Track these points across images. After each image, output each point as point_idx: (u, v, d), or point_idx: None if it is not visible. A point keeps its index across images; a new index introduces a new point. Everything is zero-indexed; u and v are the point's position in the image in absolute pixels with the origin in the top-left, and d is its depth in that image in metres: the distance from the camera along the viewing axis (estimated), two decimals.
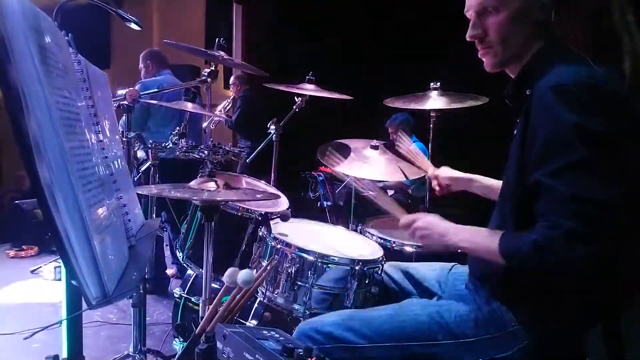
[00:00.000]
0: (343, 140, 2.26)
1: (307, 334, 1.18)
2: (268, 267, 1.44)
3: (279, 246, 1.52)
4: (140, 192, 1.40)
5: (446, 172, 1.59)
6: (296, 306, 1.47)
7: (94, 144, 1.01)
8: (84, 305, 0.80)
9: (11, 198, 4.57)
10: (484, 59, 1.17)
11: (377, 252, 1.60)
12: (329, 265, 1.47)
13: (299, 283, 1.47)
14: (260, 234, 1.65)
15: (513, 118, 1.26)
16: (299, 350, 0.88)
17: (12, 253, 3.97)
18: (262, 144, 2.67)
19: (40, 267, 3.59)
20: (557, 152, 0.96)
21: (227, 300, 1.20)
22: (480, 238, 1.11)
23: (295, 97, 2.53)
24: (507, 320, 1.10)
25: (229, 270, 1.19)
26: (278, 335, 1.00)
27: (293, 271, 1.47)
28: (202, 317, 1.32)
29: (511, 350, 1.10)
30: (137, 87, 3.18)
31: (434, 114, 2.50)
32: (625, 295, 1.11)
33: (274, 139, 2.52)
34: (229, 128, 4.87)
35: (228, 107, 4.92)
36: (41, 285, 3.40)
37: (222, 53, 2.22)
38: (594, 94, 0.96)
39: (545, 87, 0.99)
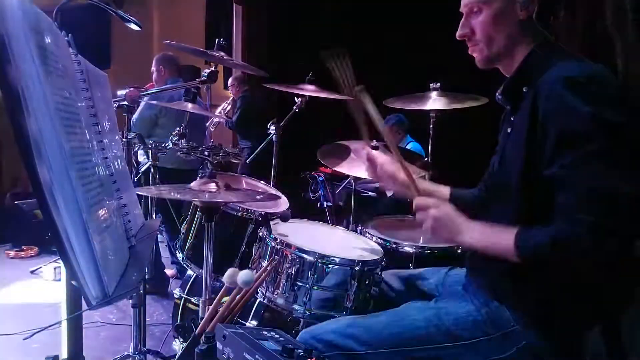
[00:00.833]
0: (343, 141, 2.26)
1: (307, 343, 1.18)
2: (268, 268, 1.44)
3: (279, 247, 1.52)
4: (140, 193, 1.40)
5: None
6: (296, 307, 1.47)
7: (94, 144, 1.01)
8: (84, 306, 0.80)
9: (11, 198, 4.57)
10: (474, 55, 1.21)
11: (377, 253, 1.60)
12: (329, 265, 1.47)
13: (299, 283, 1.47)
14: (260, 234, 1.65)
15: (505, 117, 1.26)
16: (299, 350, 0.88)
17: (12, 253, 3.97)
18: (262, 145, 2.67)
19: (40, 267, 3.59)
20: (574, 144, 0.96)
21: (227, 300, 1.21)
22: (493, 237, 1.09)
23: (295, 97, 2.53)
24: (505, 321, 1.11)
25: (229, 271, 1.20)
26: (278, 336, 1.00)
27: (293, 272, 1.47)
28: (202, 318, 1.32)
29: (510, 351, 1.10)
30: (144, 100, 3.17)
31: (433, 114, 2.51)
32: (625, 294, 1.11)
33: (274, 139, 2.52)
34: (230, 129, 4.88)
35: (227, 109, 4.93)
36: (41, 285, 3.40)
37: (222, 53, 2.22)
38: (604, 86, 0.98)
39: (554, 80, 0.99)
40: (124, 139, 1.79)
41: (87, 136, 0.95)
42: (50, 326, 0.91)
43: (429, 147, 2.57)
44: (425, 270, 1.52)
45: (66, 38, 1.00)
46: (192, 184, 1.50)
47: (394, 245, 1.90)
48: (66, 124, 0.80)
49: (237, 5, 5.86)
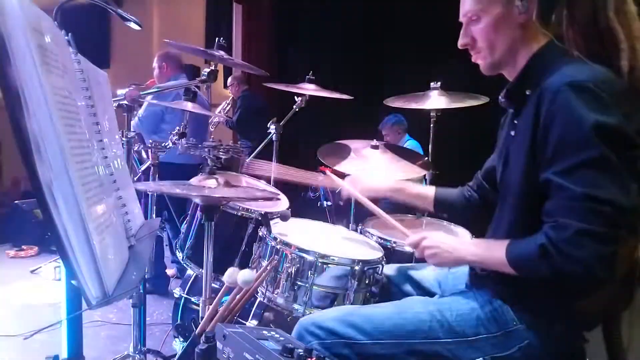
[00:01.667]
0: (343, 141, 2.26)
1: (307, 329, 1.18)
2: (268, 267, 1.44)
3: (279, 246, 1.52)
4: (138, 188, 1.40)
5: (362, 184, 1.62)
6: (296, 306, 1.47)
7: (94, 144, 1.01)
8: (84, 305, 0.80)
9: (11, 198, 4.57)
10: (478, 63, 1.20)
11: (377, 252, 1.60)
12: (329, 265, 1.47)
13: (299, 283, 1.47)
14: (260, 234, 1.65)
15: (506, 120, 1.27)
16: (299, 350, 0.88)
17: (12, 253, 3.98)
18: (262, 144, 2.67)
19: (40, 267, 3.59)
20: (572, 150, 0.95)
21: (227, 300, 1.21)
22: (488, 251, 1.12)
23: (295, 97, 2.53)
24: (508, 319, 1.11)
25: (229, 270, 1.20)
26: (278, 335, 1.00)
27: (293, 271, 1.47)
28: (202, 317, 1.32)
29: (512, 349, 1.10)
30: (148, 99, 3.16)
31: (434, 114, 2.50)
32: (624, 294, 1.11)
33: (274, 139, 2.52)
34: (230, 128, 4.88)
35: (227, 108, 4.93)
36: (41, 285, 3.40)
37: (222, 53, 2.22)
38: (611, 91, 0.96)
39: (559, 84, 0.98)
40: (124, 139, 1.79)
41: (87, 136, 0.95)
42: (50, 326, 0.90)
43: (429, 147, 2.57)
44: (425, 265, 1.51)
45: (66, 37, 1.00)
46: (192, 180, 1.50)
47: (394, 245, 1.90)
48: (66, 123, 0.80)
49: (237, 5, 5.86)
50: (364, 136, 2.30)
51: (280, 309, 1.52)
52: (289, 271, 1.47)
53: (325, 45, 5.08)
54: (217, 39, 2.21)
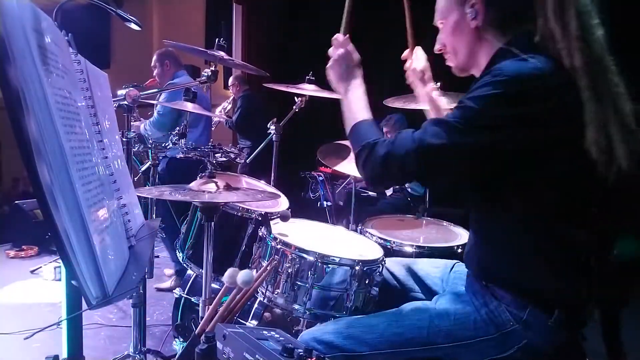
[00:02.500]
0: (343, 141, 2.26)
1: (308, 345, 1.18)
2: (268, 268, 1.44)
3: (279, 246, 1.52)
4: (141, 195, 1.40)
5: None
6: (296, 306, 1.47)
7: (94, 144, 1.01)
8: (84, 305, 0.80)
9: (11, 198, 4.57)
10: (450, 66, 1.30)
11: (377, 253, 1.60)
12: (329, 265, 1.47)
13: (299, 283, 1.47)
14: (260, 234, 1.65)
15: None
16: (299, 350, 0.88)
17: (12, 253, 3.97)
18: (262, 144, 2.68)
19: (40, 267, 3.59)
20: (456, 109, 1.05)
21: (227, 300, 1.21)
22: (354, 107, 1.28)
23: (295, 97, 2.53)
24: (505, 320, 1.11)
25: (229, 271, 1.20)
26: (278, 335, 1.00)
27: (293, 271, 1.47)
28: (202, 317, 1.32)
29: (511, 350, 1.10)
30: (162, 97, 3.16)
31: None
32: (623, 293, 1.11)
33: (274, 139, 2.52)
34: (230, 128, 4.88)
35: (228, 108, 4.92)
36: (41, 285, 3.40)
37: (222, 53, 2.22)
38: (528, 85, 0.99)
39: (489, 73, 1.03)
40: (124, 139, 1.79)
41: (87, 136, 0.95)
42: (50, 326, 0.91)
43: None
44: (431, 262, 1.52)
45: (66, 38, 1.00)
46: (192, 184, 1.50)
47: (394, 245, 1.90)
48: (66, 123, 0.80)
49: (237, 5, 5.86)
50: None
51: (280, 309, 1.52)
52: (289, 271, 1.47)
53: (325, 45, 5.08)
54: (217, 39, 2.21)
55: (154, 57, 3.56)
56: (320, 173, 3.59)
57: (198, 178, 1.55)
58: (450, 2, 1.19)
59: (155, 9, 6.34)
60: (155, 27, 6.31)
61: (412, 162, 1.05)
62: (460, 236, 2.11)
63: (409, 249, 1.89)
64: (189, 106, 2.27)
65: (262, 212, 1.78)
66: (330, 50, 1.39)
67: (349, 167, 2.10)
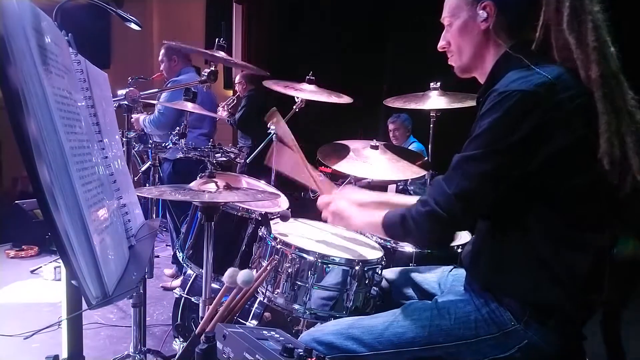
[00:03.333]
0: (343, 141, 2.26)
1: (307, 345, 1.18)
2: (268, 267, 1.44)
3: (279, 246, 1.52)
4: (141, 195, 1.40)
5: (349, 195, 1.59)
6: (296, 306, 1.47)
7: (94, 144, 1.01)
8: (84, 305, 0.80)
9: (11, 198, 4.57)
10: (452, 65, 1.28)
11: (377, 253, 1.60)
12: (329, 265, 1.47)
13: (299, 283, 1.47)
14: (260, 234, 1.65)
15: None
16: (299, 350, 0.88)
17: (12, 253, 3.97)
18: (262, 144, 2.67)
19: (40, 267, 3.59)
20: (467, 144, 1.07)
21: (227, 300, 1.20)
22: (371, 220, 1.28)
23: (295, 97, 2.53)
24: (506, 319, 1.11)
25: (229, 270, 1.19)
26: (278, 335, 1.00)
27: (293, 271, 1.47)
28: (202, 317, 1.32)
29: (511, 350, 1.10)
30: (162, 97, 3.14)
31: (434, 114, 2.51)
32: (623, 293, 1.11)
33: (273, 139, 2.52)
34: (231, 125, 4.87)
35: (232, 104, 4.91)
36: (41, 285, 3.40)
37: (222, 53, 2.22)
38: (527, 101, 0.99)
39: (498, 90, 1.04)
40: (124, 139, 1.79)
41: (87, 136, 0.95)
42: (50, 326, 0.91)
43: (429, 147, 2.58)
44: (428, 268, 1.52)
45: (66, 38, 1.00)
46: (192, 184, 1.50)
47: (394, 245, 1.90)
48: (66, 123, 0.80)
49: (237, 5, 5.86)
50: (364, 136, 2.30)
51: (280, 309, 1.52)
52: (289, 271, 1.47)
53: (325, 45, 5.08)
54: (217, 39, 2.21)
55: (162, 51, 3.49)
56: (320, 173, 3.58)
57: (198, 178, 1.55)
58: (461, 0, 1.18)
59: (155, 9, 6.35)
60: (155, 27, 6.31)
61: (452, 203, 1.06)
62: (460, 236, 2.11)
63: (408, 249, 1.89)
64: (189, 106, 2.27)
65: (262, 212, 1.78)
66: (323, 214, 1.45)
67: (349, 167, 2.10)
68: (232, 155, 2.19)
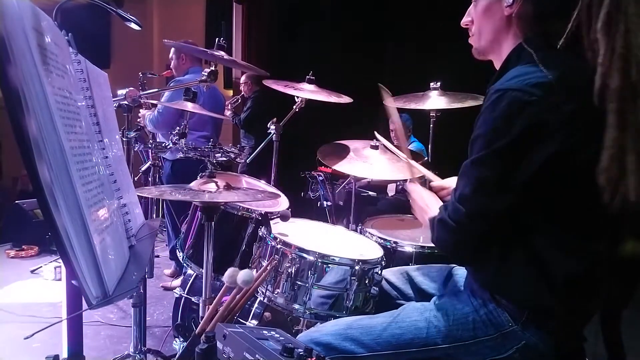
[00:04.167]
0: (343, 141, 2.26)
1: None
2: (268, 267, 1.44)
3: (279, 246, 1.52)
4: (141, 194, 1.40)
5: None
6: (296, 306, 1.47)
7: (94, 144, 1.01)
8: (84, 305, 0.80)
9: (11, 198, 4.57)
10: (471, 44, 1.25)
11: (377, 252, 1.60)
12: (329, 265, 1.47)
13: (299, 283, 1.47)
14: (260, 234, 1.65)
15: None
16: (299, 350, 0.88)
17: (12, 253, 3.97)
18: (262, 144, 2.67)
19: (40, 267, 3.59)
20: (474, 145, 1.06)
21: (227, 300, 1.20)
22: (426, 217, 1.27)
23: (295, 97, 2.53)
24: (504, 320, 1.11)
25: (229, 270, 1.20)
26: (278, 335, 1.00)
27: (293, 271, 1.47)
28: (202, 317, 1.32)
29: (510, 351, 1.10)
30: (165, 95, 3.13)
31: (434, 114, 2.51)
32: (623, 293, 1.11)
33: (274, 139, 2.52)
34: (236, 124, 4.87)
35: (236, 104, 4.90)
36: (41, 285, 3.40)
37: (222, 53, 2.22)
38: (519, 101, 0.97)
39: (495, 87, 1.02)
40: (124, 139, 1.79)
41: (87, 136, 0.95)
42: (50, 325, 0.91)
43: (429, 147, 2.58)
44: (428, 268, 1.52)
45: (66, 37, 1.00)
46: (192, 184, 1.50)
47: (394, 245, 1.90)
48: (66, 123, 0.80)
49: (237, 5, 5.86)
50: (364, 136, 2.31)
51: (280, 309, 1.52)
52: (289, 271, 1.47)
53: (325, 45, 5.08)
54: (217, 39, 2.21)
55: (172, 49, 3.46)
56: (320, 173, 3.58)
57: (198, 178, 1.55)
58: None
59: (155, 8, 6.34)
60: (155, 27, 6.31)
61: (457, 208, 1.07)
62: None
63: (409, 249, 1.89)
64: (189, 106, 2.27)
65: (262, 212, 1.78)
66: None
67: (349, 167, 2.10)
68: (232, 155, 2.19)
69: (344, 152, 2.17)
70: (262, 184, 2.26)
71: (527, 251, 1.07)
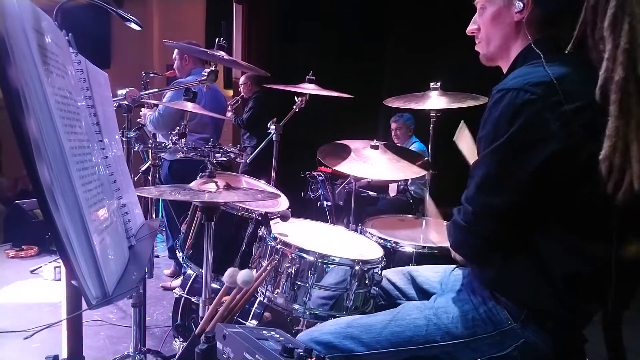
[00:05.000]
0: (343, 141, 2.26)
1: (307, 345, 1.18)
2: (268, 267, 1.44)
3: (279, 246, 1.52)
4: (141, 194, 1.40)
5: None
6: (296, 306, 1.47)
7: (94, 144, 1.01)
8: (84, 305, 0.80)
9: (11, 198, 4.57)
10: (478, 51, 1.25)
11: (377, 252, 1.60)
12: (329, 265, 1.47)
13: (299, 283, 1.47)
14: (260, 234, 1.65)
15: None
16: (299, 350, 0.88)
17: (12, 253, 3.97)
18: (262, 144, 2.67)
19: (40, 267, 3.59)
20: (482, 145, 1.06)
21: (227, 300, 1.21)
22: None
23: (295, 97, 2.53)
24: (503, 318, 1.11)
25: (229, 270, 1.20)
26: (278, 335, 1.00)
27: (293, 271, 1.47)
28: (202, 317, 1.32)
29: (509, 349, 1.10)
30: (166, 96, 3.13)
31: (434, 114, 2.51)
32: (624, 293, 1.11)
33: (274, 139, 2.52)
34: (238, 125, 4.87)
35: (236, 105, 4.91)
36: (41, 285, 3.41)
37: (222, 53, 2.22)
38: (518, 100, 0.98)
39: (497, 87, 1.04)
40: (124, 139, 1.79)
41: (87, 136, 0.95)
42: (50, 325, 0.91)
43: (430, 147, 2.58)
44: (429, 267, 1.52)
45: (66, 37, 1.00)
46: (192, 184, 1.50)
47: (394, 245, 1.90)
48: (66, 123, 0.80)
49: (238, 5, 5.86)
50: (364, 136, 2.31)
51: (280, 309, 1.52)
52: (289, 271, 1.47)
53: (325, 45, 5.08)
54: (217, 39, 2.21)
55: (175, 50, 3.46)
56: (320, 173, 3.58)
57: (198, 178, 1.55)
58: None
59: (155, 9, 6.34)
60: (155, 27, 6.31)
61: (465, 208, 1.10)
62: None
63: (409, 249, 1.89)
64: (189, 106, 2.27)
65: (262, 212, 1.78)
66: None
67: (349, 167, 2.10)
68: (232, 155, 2.19)
69: (344, 152, 2.17)
70: (262, 184, 2.26)
71: (528, 250, 1.07)
